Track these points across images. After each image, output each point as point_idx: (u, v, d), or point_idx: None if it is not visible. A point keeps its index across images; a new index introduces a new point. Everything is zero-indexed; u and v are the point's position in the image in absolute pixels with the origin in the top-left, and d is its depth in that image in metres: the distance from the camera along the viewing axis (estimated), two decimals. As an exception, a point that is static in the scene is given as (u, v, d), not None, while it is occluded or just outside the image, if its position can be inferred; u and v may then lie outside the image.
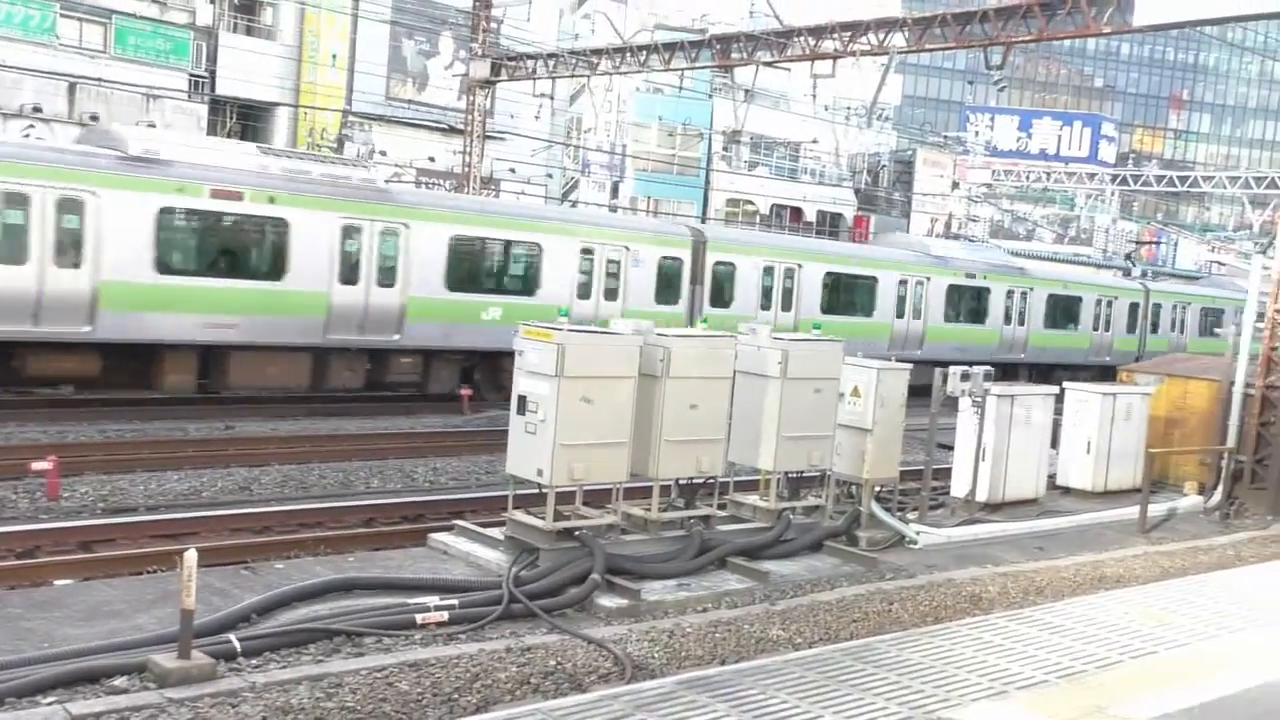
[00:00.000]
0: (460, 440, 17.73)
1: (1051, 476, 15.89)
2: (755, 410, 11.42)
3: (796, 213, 47.80)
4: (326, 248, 18.03)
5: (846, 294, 26.50)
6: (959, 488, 14.20)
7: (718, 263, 23.38)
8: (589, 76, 31.94)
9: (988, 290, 30.09)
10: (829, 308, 25.52)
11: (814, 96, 28.18)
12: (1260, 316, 17.09)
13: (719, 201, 45.75)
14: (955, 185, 58.88)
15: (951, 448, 14.69)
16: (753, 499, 11.94)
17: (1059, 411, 16.13)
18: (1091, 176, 66.69)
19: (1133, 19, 16.38)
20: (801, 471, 11.87)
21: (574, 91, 40.88)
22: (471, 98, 30.27)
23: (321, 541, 11.06)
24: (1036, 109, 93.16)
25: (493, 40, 30.27)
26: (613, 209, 38.87)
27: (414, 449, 16.85)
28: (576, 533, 9.77)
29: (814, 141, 48.86)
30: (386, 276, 18.56)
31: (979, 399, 13.70)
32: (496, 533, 10.27)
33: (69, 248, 15.90)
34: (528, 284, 20.84)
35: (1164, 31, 36.39)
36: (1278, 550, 13.73)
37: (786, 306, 24.49)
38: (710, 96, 45.45)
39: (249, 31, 34.56)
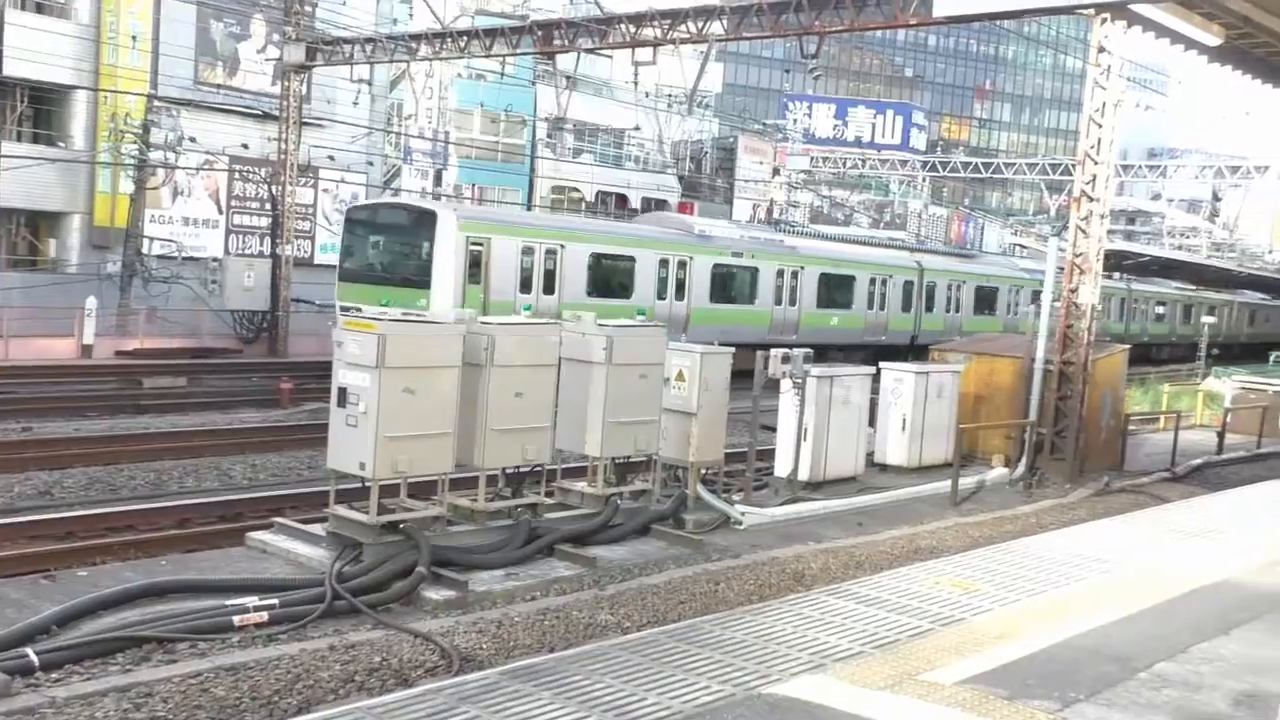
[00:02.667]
0: (280, 435, 17.34)
1: (870, 454, 16.20)
2: (581, 397, 11.41)
3: (622, 199, 47.29)
4: (771, 283, 29.89)
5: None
6: (782, 468, 14.38)
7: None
8: (409, 62, 31.34)
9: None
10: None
11: (636, 84, 28.55)
12: (1057, 297, 17.56)
13: (544, 189, 45.08)
14: (776, 172, 59.26)
15: (774, 429, 14.96)
16: (580, 485, 11.96)
17: (876, 391, 16.40)
18: (904, 163, 68.74)
19: (934, 11, 16.79)
20: (628, 456, 11.97)
21: (394, 77, 40.08)
22: (286, 83, 29.50)
23: (132, 546, 10.65)
24: (852, 98, 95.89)
25: (307, 24, 29.41)
26: (436, 196, 37.86)
27: (231, 446, 16.36)
28: (401, 526, 9.62)
29: (636, 128, 48.71)
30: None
31: (799, 380, 13.88)
32: (318, 529, 10.04)
33: (679, 289, 27.82)
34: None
35: (965, 24, 38.36)
36: (1076, 516, 14.16)
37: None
38: (533, 83, 44.62)
39: (39, 9, 32.85)
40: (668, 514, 11.76)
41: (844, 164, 65.66)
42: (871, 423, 16.29)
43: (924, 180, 71.71)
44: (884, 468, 16.22)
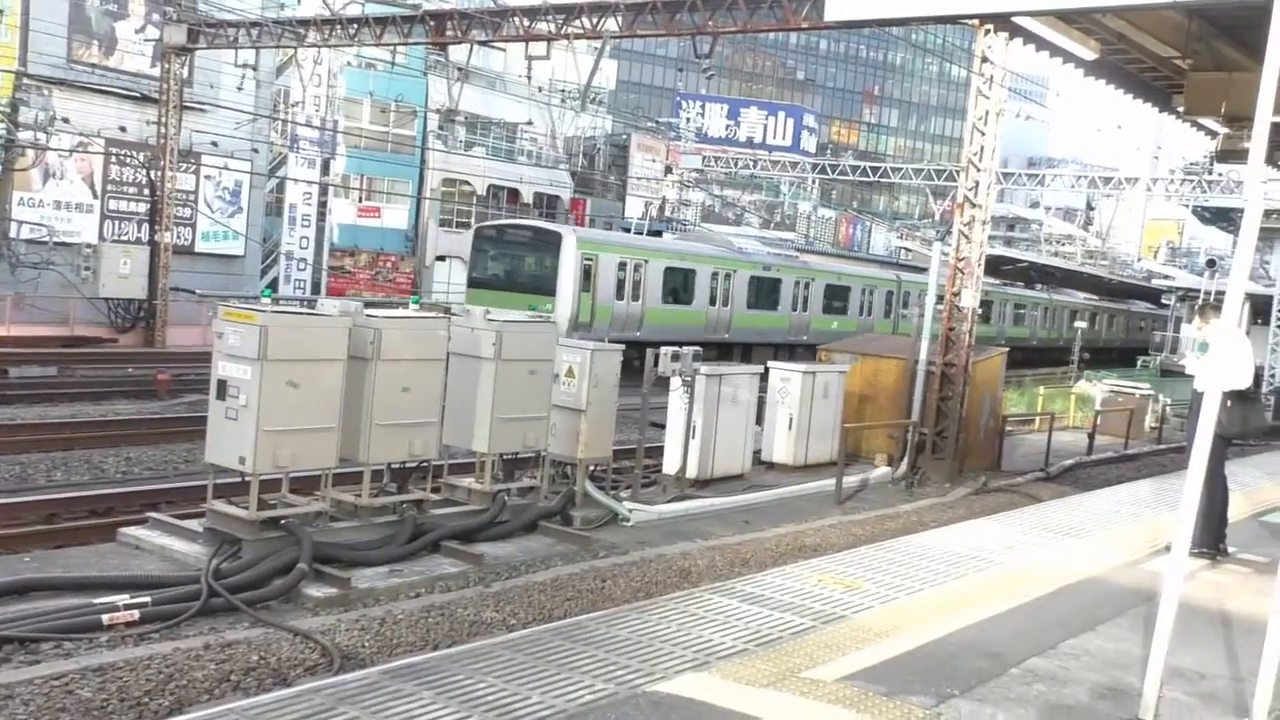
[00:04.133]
0: (157, 428, 16.84)
1: (757, 452, 16.26)
2: (470, 392, 11.29)
3: (514, 194, 47.23)
4: (790, 292, 35.25)
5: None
6: (670, 465, 14.35)
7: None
8: (296, 48, 30.76)
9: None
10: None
11: (529, 78, 28.66)
12: (940, 299, 17.77)
13: (435, 181, 44.63)
14: (668, 170, 58.91)
15: (663, 426, 14.89)
16: (468, 482, 11.81)
17: (764, 390, 16.53)
18: (794, 165, 69.47)
19: (824, 15, 16.97)
20: (517, 453, 11.87)
21: (280, 63, 38.76)
22: (166, 65, 28.79)
23: (-7, 542, 11.93)
24: (744, 98, 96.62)
25: (189, 4, 28.55)
26: (324, 188, 37.59)
27: (104, 438, 15.80)
28: (282, 521, 9.41)
29: (529, 123, 48.19)
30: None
31: (689, 379, 13.91)
32: (195, 525, 9.74)
33: (725, 297, 32.97)
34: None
35: (855, 29, 40.42)
36: (955, 514, 14.35)
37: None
38: (425, 74, 44.16)
39: (-108, -21, 36.66)
40: (555, 510, 11.73)
41: (736, 164, 65.93)
42: (759, 421, 16.38)
43: (814, 182, 72.27)
44: (771, 466, 16.33)
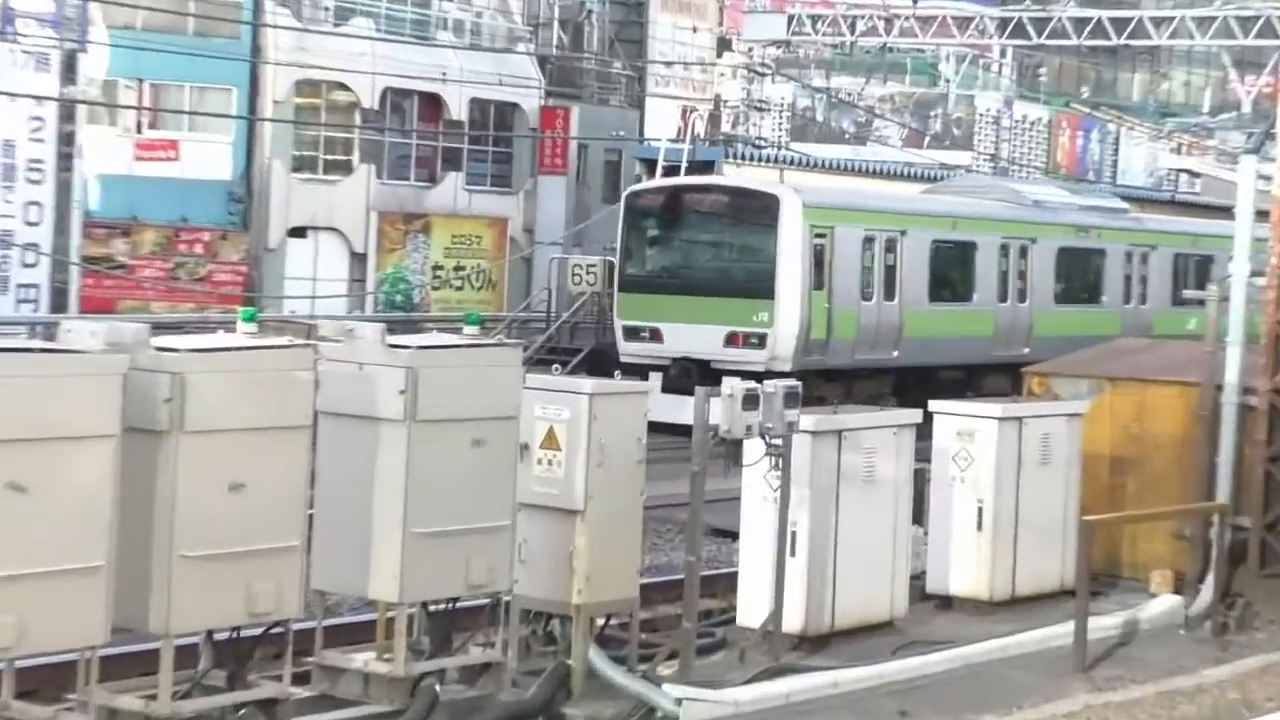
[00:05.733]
0: None
1: (918, 577, 15.81)
2: (359, 486, 11.06)
3: (432, 103, 46.33)
4: (1120, 271, 41.33)
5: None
6: (752, 610, 14.05)
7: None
8: None
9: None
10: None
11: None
12: (1258, 271, 16.39)
13: (283, 86, 43.96)
14: (725, 45, 57.37)
15: (735, 536, 14.80)
16: (363, 660, 11.45)
17: (924, 455, 15.83)
18: (965, 24, 69.20)
19: None
20: (456, 600, 11.59)
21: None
22: None
23: None
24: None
25: None
26: (67, 107, 36.46)
27: None
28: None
29: (455, -26, 37.58)
30: None
31: (777, 439, 13.42)
32: None
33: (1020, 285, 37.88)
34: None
35: None
36: None
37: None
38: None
39: None
40: (534, 709, 11.56)
41: (852, 29, 65.43)
42: (918, 518, 15.95)
43: (1005, 56, 70.54)
44: (945, 602, 16.03)
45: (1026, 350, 34.12)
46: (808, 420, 13.70)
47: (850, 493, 14.23)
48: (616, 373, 13.86)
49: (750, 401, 13.11)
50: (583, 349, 37.05)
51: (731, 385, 13.27)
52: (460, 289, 49.19)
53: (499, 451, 11.38)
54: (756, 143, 47.15)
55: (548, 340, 37.19)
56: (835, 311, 30.47)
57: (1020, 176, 53.78)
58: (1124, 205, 42.25)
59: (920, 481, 15.41)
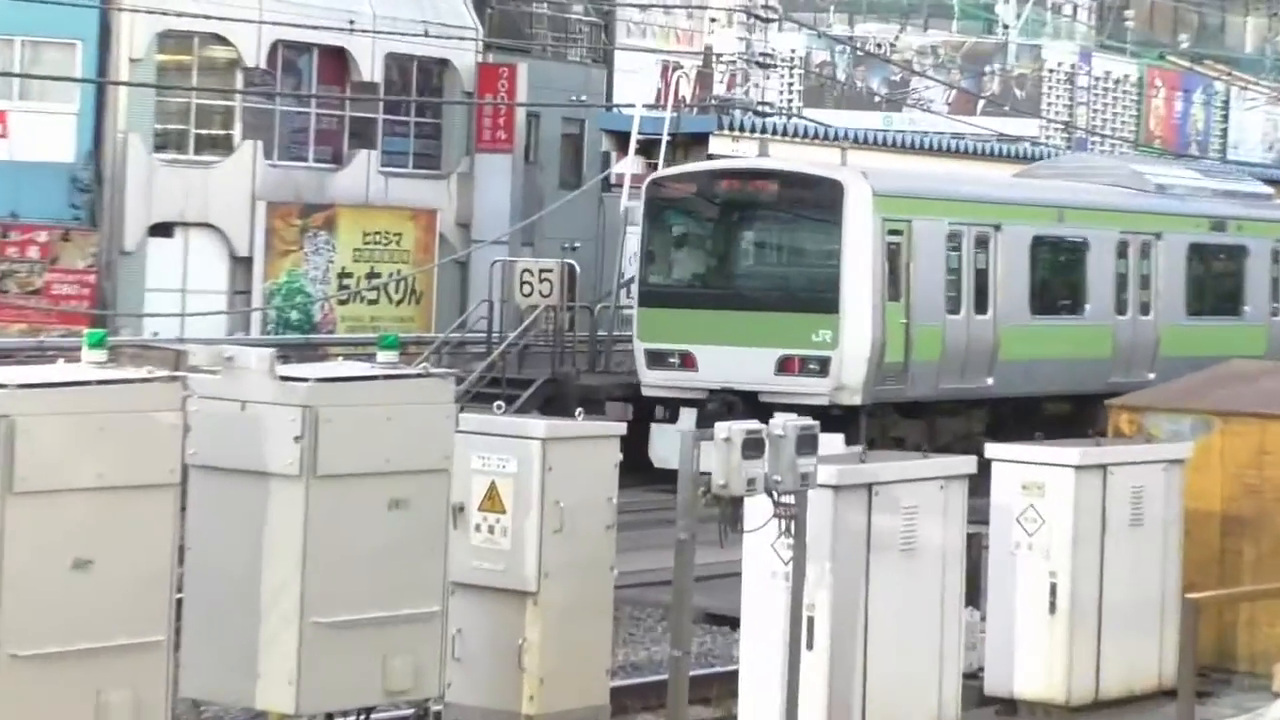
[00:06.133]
0: None
1: (974, 675, 15.92)
2: (242, 562, 11.29)
3: (335, 59, 47.40)
4: (1266, 273, 42.97)
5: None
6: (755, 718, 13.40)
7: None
8: None
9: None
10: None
11: None
12: None
13: (142, 35, 45.02)
14: None
15: (735, 623, 15.00)
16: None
17: (983, 513, 16.13)
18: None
19: None
20: (369, 710, 11.94)
21: None
22: None
23: None
24: None
25: None
26: None
27: None
28: None
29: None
30: None
31: (789, 497, 13.53)
32: None
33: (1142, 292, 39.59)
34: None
35: None
36: None
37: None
38: None
39: None
40: None
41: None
42: (973, 598, 16.09)
43: None
44: (1009, 707, 16.14)
45: (1152, 375, 34.90)
46: (828, 472, 13.64)
47: (884, 566, 14.23)
48: (578, 411, 13.51)
49: (752, 446, 13.12)
50: (535, 380, 36.40)
51: (729, 427, 13.35)
52: (375, 302, 49.46)
53: (425, 515, 11.63)
54: (759, 109, 46.27)
55: (489, 369, 36.81)
56: (915, 328, 31.21)
57: (1103, 150, 53.71)
58: (1267, 190, 42.91)
59: (975, 550, 14.98)
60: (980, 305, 32.22)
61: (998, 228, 32.95)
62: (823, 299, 30.31)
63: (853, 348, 29.42)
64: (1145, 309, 35.71)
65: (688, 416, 31.64)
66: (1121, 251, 35.30)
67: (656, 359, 32.04)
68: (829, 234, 30.77)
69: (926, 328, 30.80)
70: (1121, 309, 35.40)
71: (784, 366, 32.52)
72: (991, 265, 32.49)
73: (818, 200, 31.58)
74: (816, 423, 14.13)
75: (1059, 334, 33.83)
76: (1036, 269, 33.71)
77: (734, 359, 32.39)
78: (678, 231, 33.19)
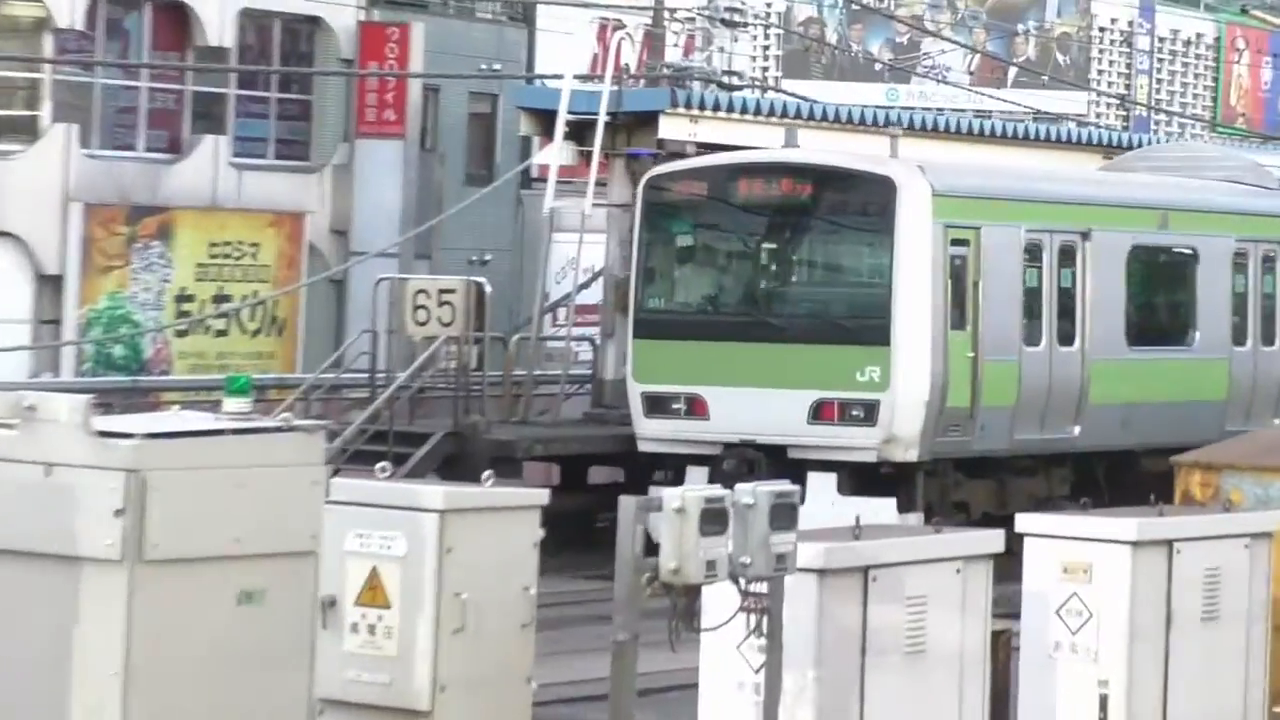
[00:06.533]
0: None
1: None
2: (44, 673, 11.40)
3: (177, 20, 48.30)
4: None
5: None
6: None
7: None
8: None
9: None
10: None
11: None
12: None
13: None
14: None
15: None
16: None
17: (1010, 607, 16.26)
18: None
19: None
20: None
21: None
22: None
23: None
24: None
25: None
26: None
27: None
28: None
29: None
30: None
31: (759, 584, 13.80)
32: None
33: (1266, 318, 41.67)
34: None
35: None
36: None
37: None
38: None
39: None
40: None
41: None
42: (1001, 713, 16.24)
43: None
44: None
45: (1276, 419, 34.88)
46: (811, 551, 13.70)
47: (885, 672, 14.24)
48: (486, 475, 13.30)
49: (713, 519, 13.15)
50: (432, 434, 36.28)
51: (685, 495, 13.42)
52: (224, 333, 49.28)
53: (285, 612, 11.51)
54: (725, 80, 46.04)
55: (372, 420, 36.73)
56: (985, 364, 31.61)
57: (1169, 131, 53.96)
58: None
59: (1003, 652, 14.73)
60: (1065, 335, 32.59)
61: (1086, 235, 33.44)
62: (870, 328, 30.63)
63: (907, 389, 29.81)
64: (1269, 338, 36.09)
65: (697, 477, 31.28)
66: (1240, 265, 35.69)
67: (656, 404, 32.20)
68: (878, 245, 31.09)
69: (999, 364, 31.38)
70: (1240, 338, 35.76)
71: (820, 413, 32.99)
72: (1079, 283, 32.67)
73: (863, 202, 31.99)
74: (796, 488, 14.07)
75: (1162, 370, 34.61)
76: (1134, 287, 34.33)
77: (756, 404, 32.83)
78: (683, 243, 33.53)
